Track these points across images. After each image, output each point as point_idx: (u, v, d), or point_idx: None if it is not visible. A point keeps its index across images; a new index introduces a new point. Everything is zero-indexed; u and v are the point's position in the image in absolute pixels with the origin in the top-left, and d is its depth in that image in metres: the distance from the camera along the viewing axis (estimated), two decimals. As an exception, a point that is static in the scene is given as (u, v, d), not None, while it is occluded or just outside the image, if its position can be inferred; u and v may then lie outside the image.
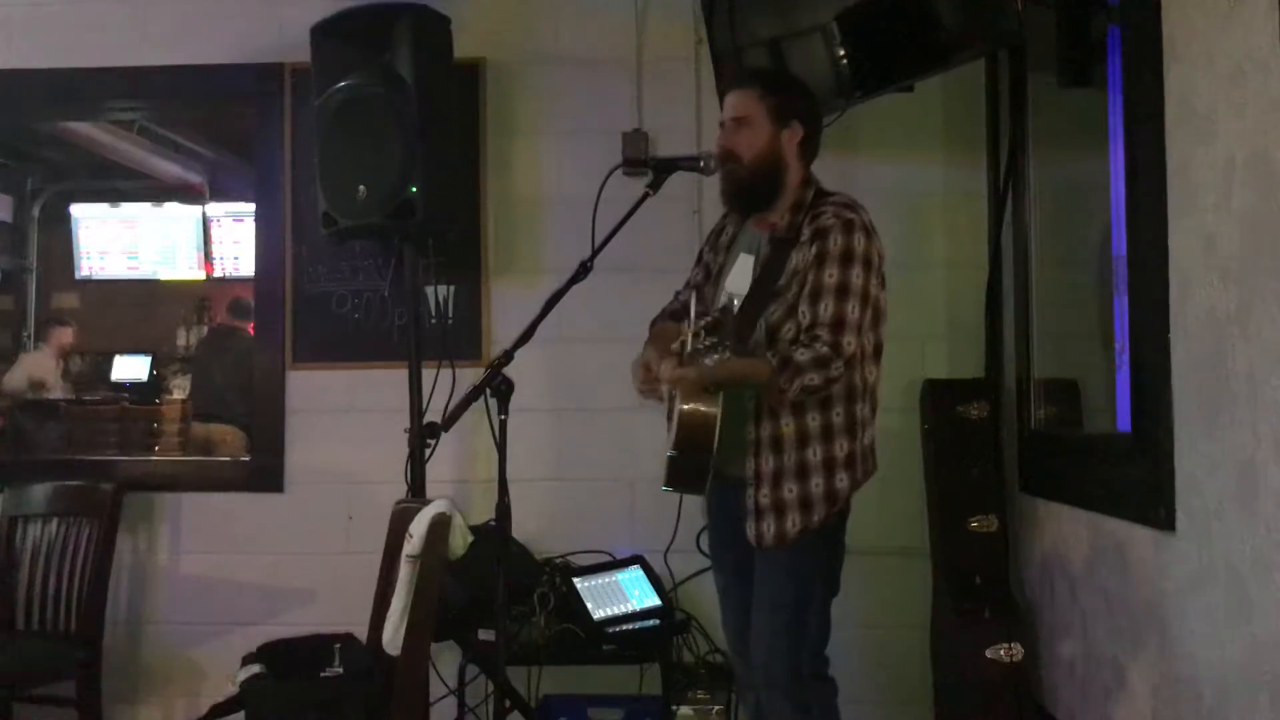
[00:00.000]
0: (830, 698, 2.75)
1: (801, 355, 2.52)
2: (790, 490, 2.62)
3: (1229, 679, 2.15)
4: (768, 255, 2.70)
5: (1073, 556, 3.02)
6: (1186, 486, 2.31)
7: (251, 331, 7.08)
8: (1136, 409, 2.55)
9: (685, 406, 2.54)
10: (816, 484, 2.63)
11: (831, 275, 2.57)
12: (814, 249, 2.60)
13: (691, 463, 2.60)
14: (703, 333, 2.54)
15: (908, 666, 3.62)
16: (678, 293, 3.01)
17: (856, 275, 2.58)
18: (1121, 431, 2.75)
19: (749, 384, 2.58)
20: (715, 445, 2.54)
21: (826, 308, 2.56)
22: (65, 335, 8.22)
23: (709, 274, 2.90)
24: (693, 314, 2.63)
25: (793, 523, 2.62)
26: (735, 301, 2.70)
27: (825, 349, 2.52)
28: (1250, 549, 2.05)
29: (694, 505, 3.68)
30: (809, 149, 2.76)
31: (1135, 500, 2.54)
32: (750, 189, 2.73)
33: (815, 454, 2.63)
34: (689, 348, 2.54)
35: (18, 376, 7.84)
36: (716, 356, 2.45)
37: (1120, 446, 2.70)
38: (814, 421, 2.63)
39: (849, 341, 2.55)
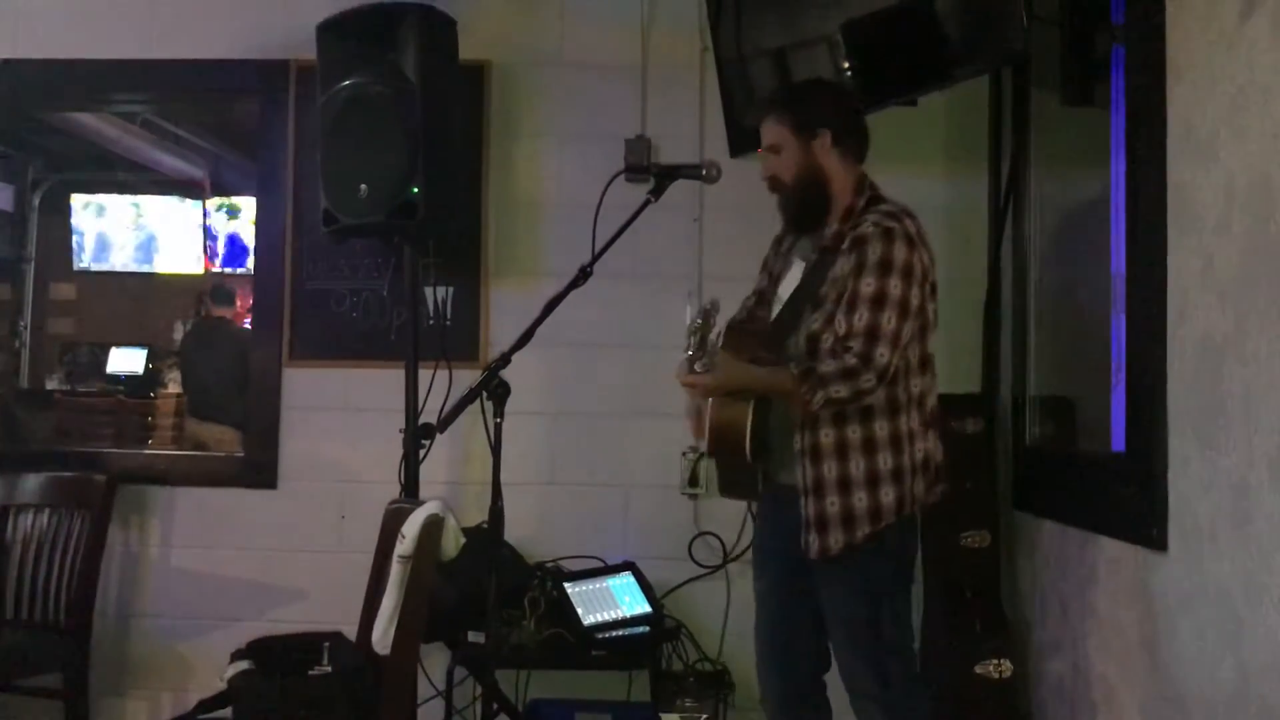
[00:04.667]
0: (920, 702, 2.68)
1: (827, 366, 2.49)
2: (832, 504, 2.58)
3: (1217, 701, 2.15)
4: (813, 263, 2.68)
5: (1064, 574, 3.02)
6: (1179, 507, 2.31)
7: (237, 319, 7.11)
8: (1131, 428, 2.55)
9: (714, 411, 2.57)
10: (859, 499, 2.57)
11: (869, 284, 2.52)
12: (853, 258, 2.56)
13: (732, 469, 2.61)
14: (689, 342, 2.57)
15: (896, 680, 3.61)
16: (745, 299, 2.97)
17: (894, 285, 2.52)
18: (1116, 451, 2.76)
19: (771, 393, 2.57)
20: (748, 449, 2.54)
21: (860, 317, 2.51)
22: None
23: (772, 279, 2.88)
24: (697, 321, 2.62)
25: (835, 540, 2.58)
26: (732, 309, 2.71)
27: (854, 360, 2.48)
28: (1242, 571, 2.05)
29: (684, 512, 3.71)
30: (848, 147, 2.70)
31: (1128, 519, 2.54)
32: (802, 209, 2.71)
33: (858, 467, 2.58)
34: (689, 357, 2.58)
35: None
36: (700, 364, 2.52)
37: (1114, 466, 2.70)
38: (854, 434, 2.58)
39: (882, 353, 2.49)
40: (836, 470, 2.58)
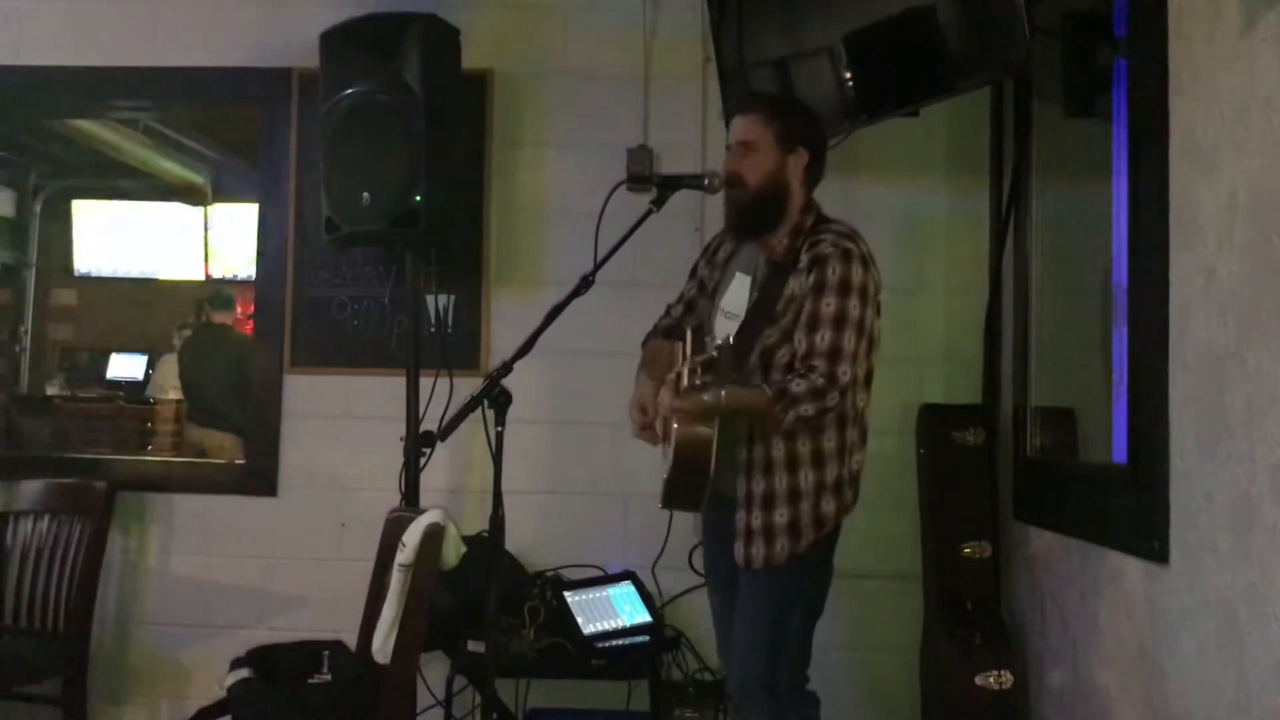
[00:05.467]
0: (811, 709, 2.75)
1: (797, 386, 2.53)
2: (781, 515, 2.64)
3: (1219, 714, 2.14)
4: (765, 279, 2.71)
5: (1065, 585, 3.02)
6: (1181, 519, 2.31)
7: (236, 325, 7.10)
8: (1133, 440, 2.55)
9: (681, 431, 2.56)
10: (805, 510, 2.65)
11: (829, 305, 2.58)
12: (811, 277, 2.61)
13: (689, 484, 2.61)
14: (699, 369, 2.55)
15: (897, 691, 3.61)
16: (669, 306, 3.02)
17: (854, 305, 2.59)
18: (1117, 462, 2.75)
19: (743, 412, 2.60)
20: (712, 468, 2.56)
21: (823, 337, 2.57)
22: None
23: (704, 289, 2.92)
24: (688, 348, 2.62)
25: (781, 548, 2.64)
26: (732, 328, 2.71)
27: (821, 380, 2.54)
28: (1243, 583, 2.05)
29: (684, 521, 3.71)
30: (813, 175, 2.76)
31: (1129, 531, 2.54)
32: (753, 214, 2.74)
33: (807, 479, 2.65)
34: (685, 383, 2.56)
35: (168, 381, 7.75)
36: (710, 395, 2.49)
37: (1116, 477, 2.70)
38: (804, 447, 2.64)
39: (845, 371, 2.56)
40: (787, 482, 2.65)
